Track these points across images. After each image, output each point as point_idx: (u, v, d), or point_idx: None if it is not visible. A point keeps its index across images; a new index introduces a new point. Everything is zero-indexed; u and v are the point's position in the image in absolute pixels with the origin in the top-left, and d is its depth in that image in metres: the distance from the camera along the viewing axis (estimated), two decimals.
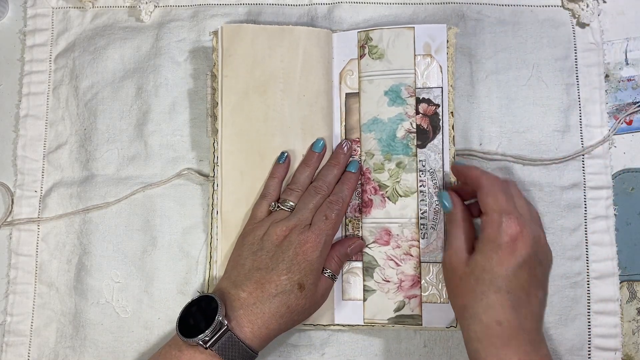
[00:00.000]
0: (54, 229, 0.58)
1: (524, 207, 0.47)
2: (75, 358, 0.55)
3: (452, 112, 0.54)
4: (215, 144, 0.55)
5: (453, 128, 0.54)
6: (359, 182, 0.54)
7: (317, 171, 0.53)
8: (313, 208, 0.51)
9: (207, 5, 0.60)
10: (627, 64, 0.58)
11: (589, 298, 0.54)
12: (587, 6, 0.57)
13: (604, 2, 0.59)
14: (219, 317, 0.45)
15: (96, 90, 0.59)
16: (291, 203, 0.51)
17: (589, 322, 0.54)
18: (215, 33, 0.56)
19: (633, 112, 0.57)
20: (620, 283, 0.54)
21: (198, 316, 0.47)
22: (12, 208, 0.59)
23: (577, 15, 0.58)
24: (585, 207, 0.55)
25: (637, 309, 0.55)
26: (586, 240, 0.55)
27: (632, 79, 0.57)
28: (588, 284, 0.54)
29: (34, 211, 0.58)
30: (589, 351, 0.53)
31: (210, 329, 0.45)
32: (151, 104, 0.58)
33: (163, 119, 0.58)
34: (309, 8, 0.59)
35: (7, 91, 0.61)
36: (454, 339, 0.54)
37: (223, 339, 0.45)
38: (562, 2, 0.58)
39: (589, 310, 0.54)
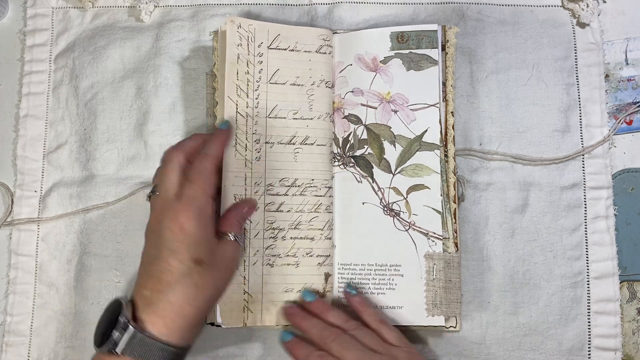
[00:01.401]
0: (54, 229, 0.58)
1: None
2: (75, 358, 0.55)
3: (452, 112, 0.54)
4: None
5: (453, 128, 0.54)
6: None
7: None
8: (172, 174, 0.47)
9: (207, 5, 0.60)
10: (627, 64, 0.58)
11: (589, 298, 0.54)
12: (587, 6, 0.57)
13: (604, 2, 0.59)
14: (121, 318, 0.43)
15: (96, 90, 0.59)
16: (155, 186, 0.48)
17: (589, 322, 0.54)
18: (216, 33, 0.56)
19: (633, 112, 0.57)
20: (620, 283, 0.54)
21: (110, 323, 0.44)
22: (12, 208, 0.59)
23: (577, 15, 0.58)
24: (585, 207, 0.55)
25: (637, 309, 0.55)
26: (586, 240, 0.55)
27: (632, 79, 0.57)
28: (588, 284, 0.54)
29: (33, 211, 0.58)
30: (589, 351, 0.53)
31: (117, 332, 0.42)
32: (151, 104, 0.58)
33: (163, 119, 0.58)
34: (309, 8, 0.59)
35: (7, 91, 0.61)
36: (455, 339, 0.54)
37: (135, 341, 0.42)
38: (562, 2, 0.58)
39: (589, 310, 0.54)
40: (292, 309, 0.51)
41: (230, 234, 0.48)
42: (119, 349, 0.42)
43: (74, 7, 0.61)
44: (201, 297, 0.45)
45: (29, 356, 0.56)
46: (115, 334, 0.43)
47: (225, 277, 0.47)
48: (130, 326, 0.43)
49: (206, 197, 0.46)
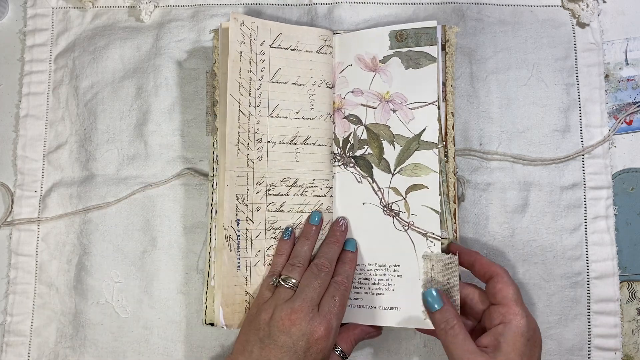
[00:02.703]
0: (54, 229, 0.58)
1: None
2: (75, 358, 0.55)
3: (452, 112, 0.54)
4: (215, 142, 0.55)
5: (453, 128, 0.54)
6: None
7: (317, 245, 0.52)
8: (318, 287, 0.48)
9: (207, 5, 0.60)
10: (627, 64, 0.58)
11: (589, 298, 0.54)
12: (587, 6, 0.57)
13: (604, 2, 0.59)
14: None
15: (96, 90, 0.59)
16: (294, 280, 0.49)
17: (589, 322, 0.54)
18: (216, 31, 0.56)
19: (633, 112, 0.57)
20: (620, 283, 0.54)
21: None
22: (12, 208, 0.59)
23: (577, 15, 0.58)
24: (585, 207, 0.55)
25: (637, 309, 0.55)
26: (586, 240, 0.55)
27: (632, 79, 0.57)
28: (588, 284, 0.54)
29: (34, 211, 0.58)
30: (589, 351, 0.53)
31: None
32: (151, 104, 0.58)
33: (163, 119, 0.58)
34: (309, 8, 0.59)
35: (7, 91, 0.61)
36: None
37: None
38: (562, 2, 0.59)
39: (589, 310, 0.54)
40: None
41: (338, 349, 0.50)
42: None
43: (74, 7, 0.61)
44: None
45: (29, 356, 0.56)
46: None
47: None
48: None
49: (344, 311, 0.49)
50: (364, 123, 0.55)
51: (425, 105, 0.53)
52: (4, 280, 0.58)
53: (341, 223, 0.53)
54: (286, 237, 0.52)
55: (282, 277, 0.49)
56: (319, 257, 0.51)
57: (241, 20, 0.53)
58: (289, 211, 0.53)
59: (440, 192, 0.52)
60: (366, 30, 0.56)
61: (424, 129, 0.53)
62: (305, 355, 0.45)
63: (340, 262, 0.51)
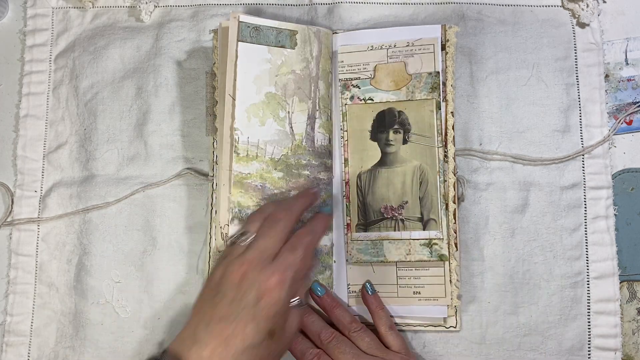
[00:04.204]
0: (54, 229, 0.58)
1: None
2: (75, 358, 0.55)
3: (452, 112, 0.54)
4: (214, 143, 0.55)
5: (453, 128, 0.54)
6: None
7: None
8: (273, 237, 0.45)
9: (207, 5, 0.60)
10: (627, 64, 0.58)
11: (589, 298, 0.54)
12: (587, 6, 0.57)
13: (604, 2, 0.59)
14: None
15: (96, 90, 0.59)
16: (252, 231, 0.46)
17: (589, 322, 0.54)
18: (215, 31, 0.56)
19: (633, 112, 0.57)
20: (620, 283, 0.54)
21: None
22: (12, 208, 0.59)
23: (577, 15, 0.58)
24: (585, 207, 0.55)
25: (637, 309, 0.55)
26: (586, 240, 0.55)
27: (632, 79, 0.57)
28: (588, 284, 0.54)
29: (34, 211, 0.58)
30: (589, 351, 0.53)
31: None
32: (151, 104, 0.58)
33: (163, 119, 0.58)
34: (309, 8, 0.59)
35: (7, 91, 0.61)
36: (454, 339, 0.54)
37: None
38: (562, 2, 0.59)
39: (589, 310, 0.54)
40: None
41: (294, 301, 0.46)
42: None
43: (74, 7, 0.61)
44: None
45: (29, 356, 0.56)
46: None
47: (286, 347, 0.46)
48: None
49: (304, 269, 0.46)
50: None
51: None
52: (4, 280, 0.58)
53: (314, 189, 0.51)
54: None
55: (238, 233, 0.46)
56: (279, 207, 0.47)
57: (241, 20, 0.53)
58: None
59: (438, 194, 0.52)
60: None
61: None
62: (255, 308, 0.42)
63: (310, 219, 0.50)
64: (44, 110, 0.60)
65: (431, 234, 0.52)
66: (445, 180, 0.53)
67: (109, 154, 0.58)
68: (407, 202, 0.53)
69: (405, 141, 0.54)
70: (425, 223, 0.52)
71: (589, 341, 0.54)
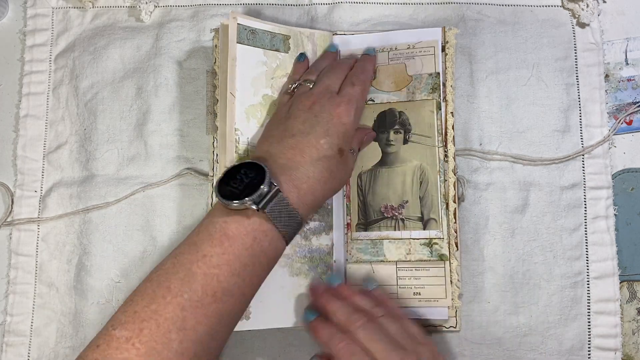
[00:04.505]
0: (54, 229, 0.58)
1: None
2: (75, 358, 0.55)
3: (452, 112, 0.54)
4: (215, 141, 0.55)
5: (453, 128, 0.54)
6: None
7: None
8: (335, 76, 0.50)
9: (207, 5, 0.60)
10: (627, 64, 0.58)
11: (589, 298, 0.54)
12: (587, 6, 0.57)
13: (604, 2, 0.59)
14: (269, 177, 0.42)
15: (96, 90, 0.59)
16: (312, 78, 0.51)
17: (589, 322, 0.54)
18: (216, 30, 0.56)
19: (633, 112, 0.57)
20: (620, 283, 0.54)
21: (235, 184, 0.43)
22: (12, 208, 0.59)
23: (577, 15, 0.58)
24: (585, 207, 0.55)
25: (637, 309, 0.55)
26: (586, 240, 0.55)
27: (632, 79, 0.57)
28: (588, 284, 0.54)
29: (34, 211, 0.58)
30: (589, 351, 0.53)
31: (259, 192, 0.42)
32: (151, 104, 0.58)
33: (163, 118, 0.58)
34: (309, 8, 0.59)
35: (7, 91, 0.61)
36: (454, 339, 0.54)
37: (273, 202, 0.42)
38: (562, 2, 0.59)
39: (589, 310, 0.54)
40: (318, 288, 0.51)
41: (351, 150, 0.50)
42: (261, 204, 0.42)
43: (74, 7, 0.61)
44: (329, 184, 0.46)
45: (29, 356, 0.56)
46: (257, 193, 0.42)
47: (343, 181, 0.50)
48: (276, 187, 0.43)
49: (363, 101, 0.51)
50: None
51: None
52: (3, 280, 0.58)
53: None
54: (301, 60, 0.53)
55: (301, 79, 0.51)
56: (331, 61, 0.53)
57: (240, 20, 0.53)
58: None
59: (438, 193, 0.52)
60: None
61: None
62: (328, 125, 0.47)
63: (359, 60, 0.54)
64: (44, 110, 0.60)
65: (431, 233, 0.52)
66: (445, 180, 0.53)
67: (109, 154, 0.58)
68: (407, 202, 0.53)
69: (405, 141, 0.54)
70: (425, 222, 0.52)
71: (589, 341, 0.54)
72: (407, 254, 0.52)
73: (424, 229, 0.52)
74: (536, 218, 0.55)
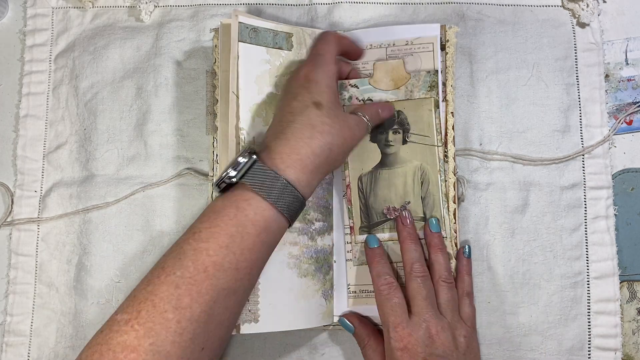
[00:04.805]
0: (54, 229, 0.58)
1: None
2: (75, 358, 0.55)
3: (452, 112, 0.54)
4: (215, 142, 0.55)
5: (453, 128, 0.54)
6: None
7: None
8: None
9: (207, 5, 0.60)
10: (627, 64, 0.58)
11: (589, 298, 0.54)
12: (587, 6, 0.57)
13: (604, 2, 0.59)
14: (245, 150, 0.44)
15: (96, 90, 0.59)
16: None
17: (589, 322, 0.54)
18: (216, 30, 0.56)
19: (633, 112, 0.57)
20: (620, 283, 0.54)
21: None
22: (12, 208, 0.59)
23: (577, 15, 0.58)
24: (585, 207, 0.55)
25: (637, 309, 0.55)
26: (586, 240, 0.55)
27: (632, 79, 0.57)
28: (588, 284, 0.54)
29: (33, 211, 0.58)
30: (589, 351, 0.53)
31: (234, 163, 0.43)
32: (151, 104, 0.58)
33: (163, 118, 0.58)
34: (309, 8, 0.59)
35: (7, 91, 0.61)
36: None
37: (255, 170, 0.43)
38: (562, 2, 0.59)
39: (589, 310, 0.54)
40: (408, 220, 0.51)
41: (362, 114, 0.50)
42: (238, 175, 0.43)
43: (74, 7, 0.61)
44: (317, 139, 0.45)
45: (29, 356, 0.56)
46: (240, 160, 0.43)
47: (343, 137, 0.47)
48: (252, 156, 0.44)
49: (329, 53, 0.50)
50: None
51: None
52: (3, 280, 0.58)
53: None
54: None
55: None
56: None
57: (241, 19, 0.52)
58: None
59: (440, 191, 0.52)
60: None
61: None
62: (299, 88, 0.48)
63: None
64: (43, 110, 0.60)
65: None
66: (445, 180, 0.53)
67: (109, 154, 0.58)
68: (409, 202, 0.53)
69: (404, 141, 0.54)
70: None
71: (589, 341, 0.54)
72: None
73: None
74: (536, 218, 0.55)
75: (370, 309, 0.53)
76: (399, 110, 0.54)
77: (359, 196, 0.54)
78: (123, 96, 0.59)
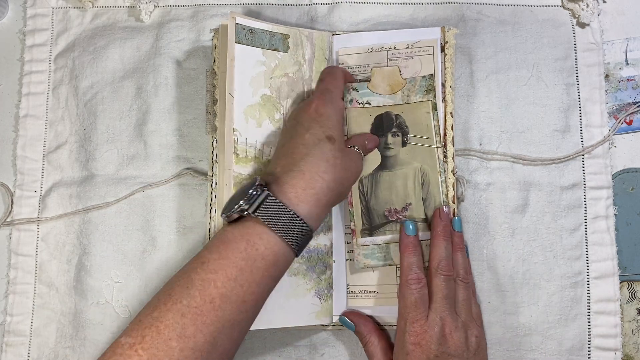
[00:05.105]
0: (54, 229, 0.58)
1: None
2: (75, 358, 0.55)
3: (451, 113, 0.54)
4: (214, 141, 0.55)
5: (452, 128, 0.54)
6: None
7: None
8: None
9: (207, 5, 0.60)
10: (627, 64, 0.58)
11: (589, 298, 0.54)
12: (587, 6, 0.57)
13: (604, 2, 0.59)
14: (257, 182, 0.44)
15: (96, 90, 0.59)
16: None
17: (589, 322, 0.54)
18: (216, 30, 0.56)
19: (633, 112, 0.57)
20: (620, 283, 0.54)
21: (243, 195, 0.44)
22: (11, 208, 0.59)
23: (577, 15, 0.58)
24: (585, 207, 0.55)
25: (637, 309, 0.55)
26: (586, 240, 0.55)
27: (632, 79, 0.57)
28: (588, 284, 0.54)
29: (33, 211, 0.58)
30: (589, 351, 0.53)
31: (247, 196, 0.43)
32: (151, 103, 0.58)
33: (162, 118, 0.58)
34: (309, 8, 0.59)
35: (6, 91, 0.61)
36: None
37: (267, 204, 0.43)
38: (562, 2, 0.58)
39: (589, 310, 0.54)
40: (445, 216, 0.52)
41: (352, 147, 0.51)
42: (251, 209, 0.43)
43: (74, 7, 0.61)
44: (331, 173, 0.46)
45: (28, 356, 0.56)
46: (252, 192, 0.43)
47: (350, 171, 0.49)
48: (265, 190, 0.44)
49: (337, 89, 0.52)
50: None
51: None
52: (3, 281, 0.58)
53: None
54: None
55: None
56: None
57: (238, 20, 0.52)
58: None
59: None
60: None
61: None
62: (310, 123, 0.48)
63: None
64: (43, 110, 0.60)
65: None
66: (445, 181, 0.53)
67: (109, 154, 0.58)
68: (410, 204, 0.53)
69: (404, 144, 0.54)
70: (430, 223, 0.52)
71: (589, 341, 0.54)
72: None
73: (429, 229, 0.52)
74: (536, 218, 0.55)
75: (369, 309, 0.53)
76: (397, 114, 0.54)
77: (360, 199, 0.54)
78: (123, 96, 0.59)
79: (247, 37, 0.52)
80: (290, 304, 0.51)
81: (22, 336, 0.56)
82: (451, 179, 0.53)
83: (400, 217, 0.53)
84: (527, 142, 0.56)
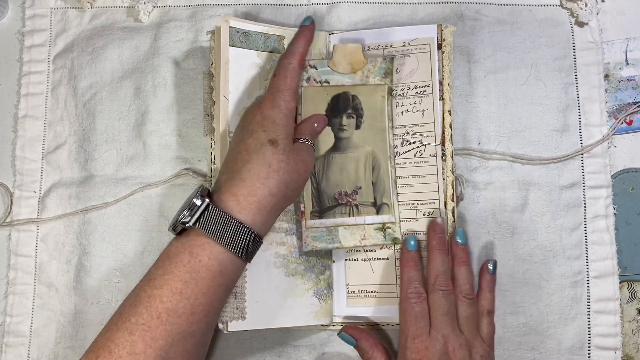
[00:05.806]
0: (53, 230, 0.58)
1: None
2: (75, 358, 0.55)
3: (449, 111, 0.54)
4: (212, 143, 0.55)
5: (451, 126, 0.54)
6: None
7: None
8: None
9: (206, 6, 0.60)
10: (627, 63, 0.58)
11: (588, 297, 0.54)
12: (586, 5, 0.57)
13: (603, 1, 0.59)
14: (197, 193, 0.44)
15: (95, 90, 0.59)
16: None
17: (589, 321, 0.54)
18: (213, 32, 0.56)
19: (633, 112, 0.57)
20: (620, 283, 0.54)
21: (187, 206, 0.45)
22: (11, 209, 0.59)
23: (575, 15, 0.58)
24: (585, 207, 0.55)
25: (637, 309, 0.55)
26: (586, 239, 0.55)
27: (632, 79, 0.57)
28: (588, 283, 0.54)
29: (33, 212, 0.58)
30: (589, 350, 0.53)
31: (189, 206, 0.44)
32: (150, 104, 0.58)
33: (162, 119, 0.58)
34: (308, 8, 0.59)
35: (5, 91, 0.61)
36: None
37: (209, 215, 0.43)
38: (561, 2, 0.58)
39: (588, 310, 0.54)
40: (439, 228, 0.51)
41: (302, 139, 0.49)
42: (192, 220, 0.43)
43: (73, 8, 0.61)
44: (273, 178, 0.45)
45: (28, 357, 0.56)
46: (195, 202, 0.44)
47: (298, 173, 0.47)
48: (205, 199, 0.44)
49: (289, 90, 0.49)
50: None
51: None
52: (3, 281, 0.58)
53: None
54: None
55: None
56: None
57: (231, 23, 0.52)
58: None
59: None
60: None
61: None
62: (255, 126, 0.47)
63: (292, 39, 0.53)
64: (42, 111, 0.60)
65: (384, 218, 0.52)
66: (394, 167, 0.53)
67: (108, 154, 0.58)
68: (360, 188, 0.53)
69: (357, 126, 0.54)
70: (378, 207, 0.53)
71: (589, 340, 0.54)
72: (362, 239, 0.52)
73: (377, 213, 0.52)
74: (535, 217, 0.55)
75: (368, 310, 0.53)
76: (354, 95, 0.54)
77: (311, 180, 0.53)
78: (122, 96, 0.59)
79: (242, 39, 0.52)
80: (288, 304, 0.51)
81: (22, 337, 0.57)
82: (450, 177, 0.53)
83: (350, 200, 0.53)
84: (526, 141, 0.56)
